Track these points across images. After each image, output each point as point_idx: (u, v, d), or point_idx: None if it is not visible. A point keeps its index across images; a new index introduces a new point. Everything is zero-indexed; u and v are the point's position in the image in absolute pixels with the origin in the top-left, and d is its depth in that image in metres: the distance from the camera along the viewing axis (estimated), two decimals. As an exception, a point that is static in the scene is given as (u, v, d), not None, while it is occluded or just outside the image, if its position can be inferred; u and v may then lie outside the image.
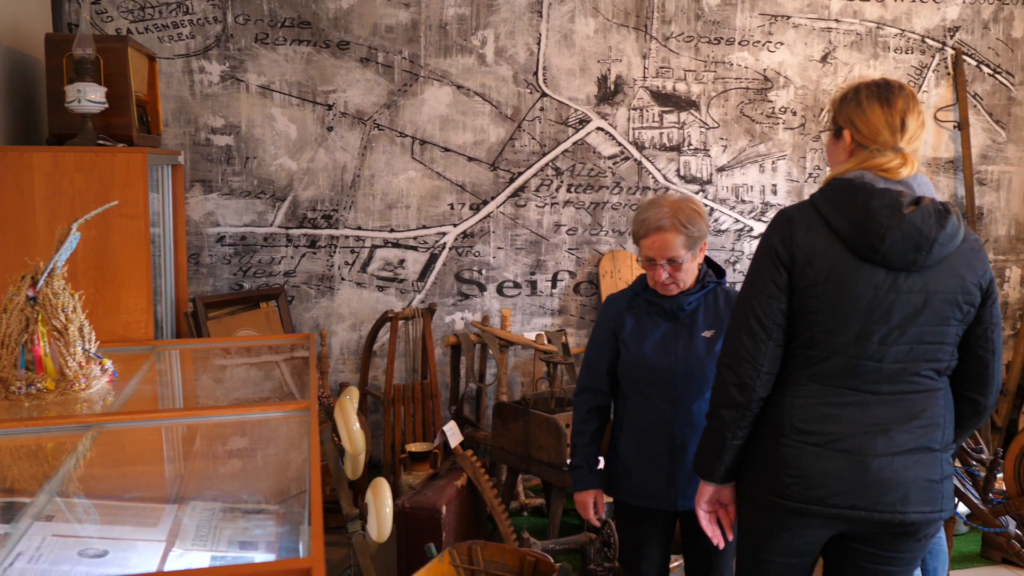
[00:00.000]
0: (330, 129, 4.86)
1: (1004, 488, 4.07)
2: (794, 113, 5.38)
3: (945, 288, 2.11)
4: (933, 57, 5.50)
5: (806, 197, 2.26)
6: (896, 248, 2.05)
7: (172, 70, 4.67)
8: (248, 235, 4.84)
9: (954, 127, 5.53)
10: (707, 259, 2.75)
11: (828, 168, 2.23)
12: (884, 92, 2.15)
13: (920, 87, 5.50)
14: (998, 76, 5.60)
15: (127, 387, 2.69)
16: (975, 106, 5.57)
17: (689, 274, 2.64)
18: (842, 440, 2.13)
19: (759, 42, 5.31)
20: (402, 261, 5.04)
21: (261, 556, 1.86)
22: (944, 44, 5.51)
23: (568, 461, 3.85)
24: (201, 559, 1.80)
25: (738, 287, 2.59)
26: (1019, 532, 3.84)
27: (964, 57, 5.50)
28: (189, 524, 1.92)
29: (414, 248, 5.04)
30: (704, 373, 2.62)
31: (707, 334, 2.63)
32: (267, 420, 2.42)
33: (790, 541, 2.23)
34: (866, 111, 2.14)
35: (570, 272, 5.24)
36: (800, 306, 2.12)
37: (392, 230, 5.00)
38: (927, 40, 5.49)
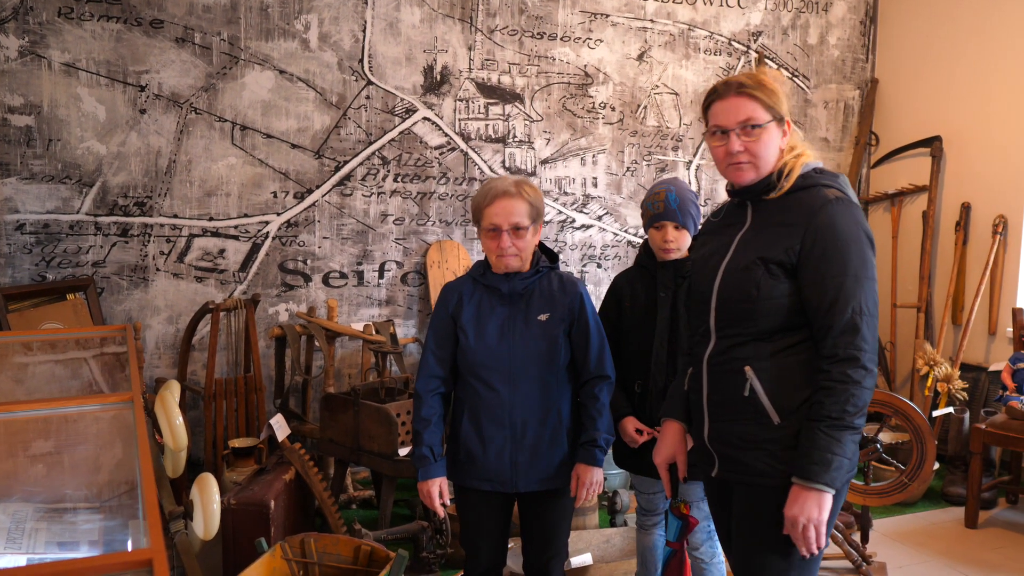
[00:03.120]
0: (143, 111, 4.61)
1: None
2: (613, 109, 5.57)
3: None
4: (739, 59, 5.83)
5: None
6: None
7: (-38, 43, 4.30)
8: (52, 223, 4.51)
9: (758, 126, 5.89)
10: (541, 244, 2.80)
11: (768, 159, 2.23)
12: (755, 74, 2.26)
13: (728, 87, 5.82)
14: (796, 79, 6.01)
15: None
16: (776, 107, 5.94)
17: (528, 248, 2.68)
18: None
19: (580, 39, 5.46)
20: (222, 251, 4.85)
21: (83, 555, 1.75)
22: (748, 47, 5.85)
23: (404, 451, 3.83)
24: (16, 562, 1.67)
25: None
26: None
27: (766, 60, 5.87)
28: None
29: (235, 237, 4.86)
30: (539, 355, 2.66)
31: (542, 317, 2.69)
32: (86, 414, 2.27)
33: None
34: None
35: (397, 262, 5.21)
36: None
37: (211, 218, 4.80)
38: (733, 43, 5.82)
